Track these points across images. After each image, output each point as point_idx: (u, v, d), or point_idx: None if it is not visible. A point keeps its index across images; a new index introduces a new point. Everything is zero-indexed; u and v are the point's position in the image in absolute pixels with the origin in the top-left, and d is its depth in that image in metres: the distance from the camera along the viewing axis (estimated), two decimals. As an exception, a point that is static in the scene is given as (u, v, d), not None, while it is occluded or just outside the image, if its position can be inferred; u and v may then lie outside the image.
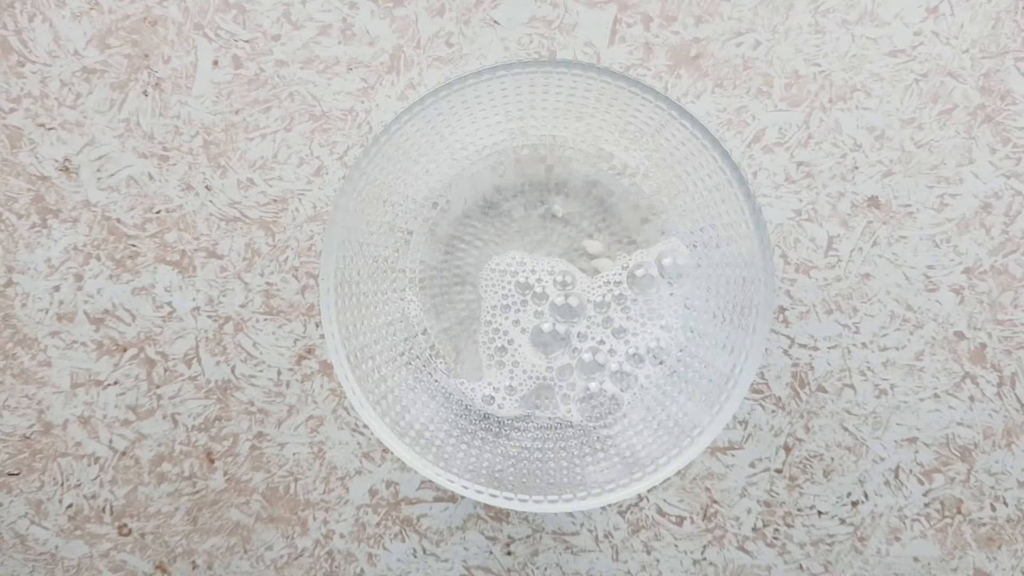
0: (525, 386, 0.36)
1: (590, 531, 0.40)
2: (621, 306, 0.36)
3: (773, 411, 0.39)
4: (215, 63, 0.39)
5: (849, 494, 0.39)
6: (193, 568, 0.40)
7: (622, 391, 0.36)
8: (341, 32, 0.39)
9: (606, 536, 0.40)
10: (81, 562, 0.40)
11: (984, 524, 0.39)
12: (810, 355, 0.39)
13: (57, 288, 0.39)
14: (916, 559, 0.39)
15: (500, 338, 0.36)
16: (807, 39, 0.38)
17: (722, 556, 0.39)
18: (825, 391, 0.39)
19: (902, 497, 0.39)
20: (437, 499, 0.40)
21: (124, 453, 0.40)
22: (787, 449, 0.39)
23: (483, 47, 0.39)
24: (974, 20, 0.38)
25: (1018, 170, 0.38)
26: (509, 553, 0.40)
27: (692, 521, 0.39)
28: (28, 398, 0.40)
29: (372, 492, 0.39)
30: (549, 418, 0.36)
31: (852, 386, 0.39)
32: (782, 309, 0.39)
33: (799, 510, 0.39)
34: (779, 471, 0.39)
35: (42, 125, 0.39)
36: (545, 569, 0.40)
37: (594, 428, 0.35)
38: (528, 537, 0.40)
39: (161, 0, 0.39)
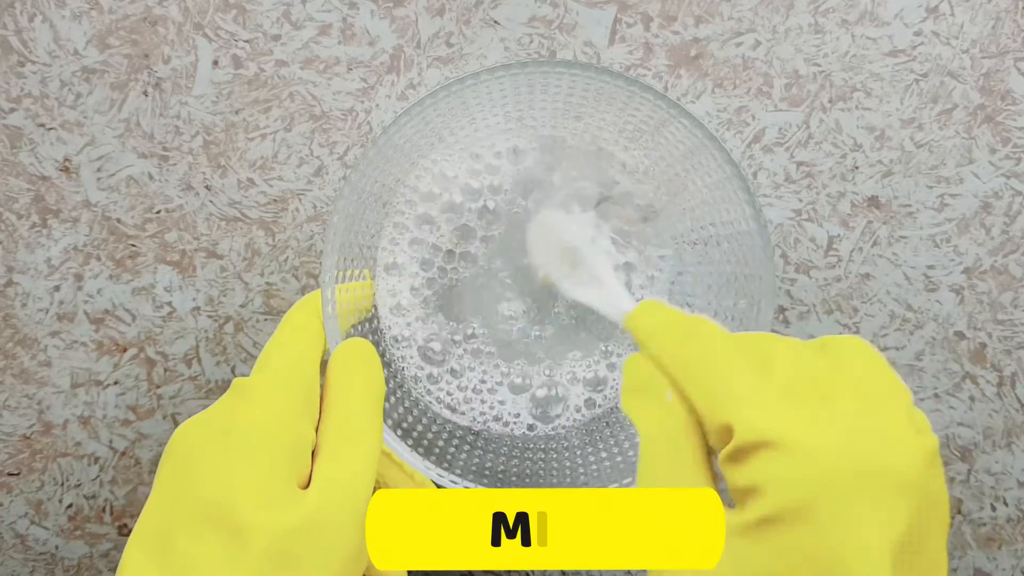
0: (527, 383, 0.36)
1: (590, 531, 0.39)
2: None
3: (773, 411, 0.39)
4: (215, 63, 0.39)
5: (849, 494, 0.39)
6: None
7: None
8: (341, 32, 0.39)
9: (606, 536, 0.39)
10: (81, 562, 0.40)
11: (984, 524, 0.39)
12: (810, 355, 0.39)
13: (57, 288, 0.39)
14: (916, 559, 0.39)
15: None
16: (807, 39, 0.38)
17: (722, 556, 0.39)
18: (825, 391, 0.39)
19: (902, 497, 0.39)
20: (437, 499, 0.40)
21: (124, 453, 0.40)
22: (787, 449, 0.39)
23: (483, 47, 0.39)
24: (974, 20, 0.38)
25: (1018, 170, 0.38)
26: (509, 553, 0.40)
27: (692, 521, 0.39)
28: (28, 398, 0.40)
29: (372, 492, 0.39)
30: (551, 415, 0.36)
31: (852, 386, 0.39)
32: (782, 309, 0.39)
33: (799, 510, 0.39)
34: (779, 471, 0.39)
35: (42, 125, 0.39)
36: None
37: (595, 427, 0.35)
38: (528, 537, 0.40)
39: (161, 0, 0.39)
